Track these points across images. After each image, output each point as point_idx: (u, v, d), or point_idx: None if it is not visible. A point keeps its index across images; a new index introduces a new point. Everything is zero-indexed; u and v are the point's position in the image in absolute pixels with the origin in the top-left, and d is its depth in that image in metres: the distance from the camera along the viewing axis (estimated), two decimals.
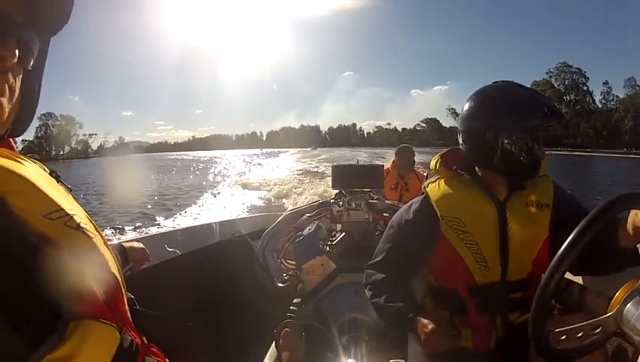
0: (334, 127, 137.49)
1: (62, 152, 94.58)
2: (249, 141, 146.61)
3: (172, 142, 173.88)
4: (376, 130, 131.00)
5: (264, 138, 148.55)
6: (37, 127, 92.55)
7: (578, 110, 71.30)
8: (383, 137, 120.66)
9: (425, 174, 3.23)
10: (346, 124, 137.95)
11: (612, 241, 0.84)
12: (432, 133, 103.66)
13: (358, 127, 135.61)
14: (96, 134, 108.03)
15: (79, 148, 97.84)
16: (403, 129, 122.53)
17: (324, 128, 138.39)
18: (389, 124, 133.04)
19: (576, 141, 66.97)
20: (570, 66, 75.44)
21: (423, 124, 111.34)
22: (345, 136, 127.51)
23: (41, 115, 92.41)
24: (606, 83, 74.58)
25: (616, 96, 72.48)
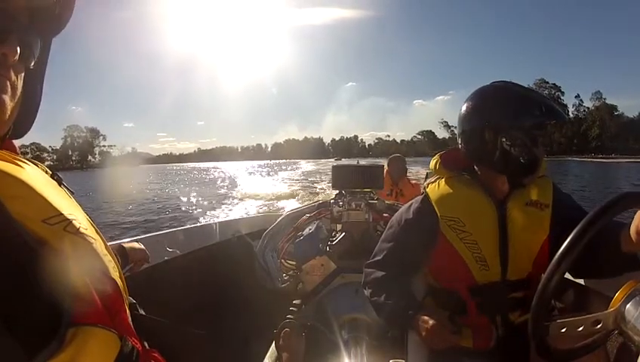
0: (337, 138, 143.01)
1: (85, 162, 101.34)
2: (254, 153, 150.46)
3: (177, 154, 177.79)
4: (376, 141, 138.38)
5: (269, 149, 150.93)
6: (63, 138, 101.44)
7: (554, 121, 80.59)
8: (383, 148, 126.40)
9: (414, 181, 3.36)
10: (348, 136, 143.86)
11: (613, 246, 0.83)
12: (427, 144, 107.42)
13: (359, 139, 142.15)
14: (115, 145, 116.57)
15: (100, 158, 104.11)
16: (402, 141, 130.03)
17: (326, 140, 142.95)
18: (389, 135, 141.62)
19: (552, 149, 75.85)
20: (547, 82, 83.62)
21: (420, 136, 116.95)
22: (347, 147, 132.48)
23: (67, 126, 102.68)
24: (577, 96, 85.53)
25: (587, 108, 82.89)
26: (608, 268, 0.90)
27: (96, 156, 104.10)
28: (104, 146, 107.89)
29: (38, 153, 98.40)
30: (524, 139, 0.95)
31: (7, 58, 0.38)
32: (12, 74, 0.40)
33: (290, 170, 43.50)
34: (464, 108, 1.05)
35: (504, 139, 0.96)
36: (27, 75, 0.43)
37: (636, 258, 0.85)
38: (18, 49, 0.39)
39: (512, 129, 0.96)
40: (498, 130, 0.97)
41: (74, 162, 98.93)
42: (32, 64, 0.43)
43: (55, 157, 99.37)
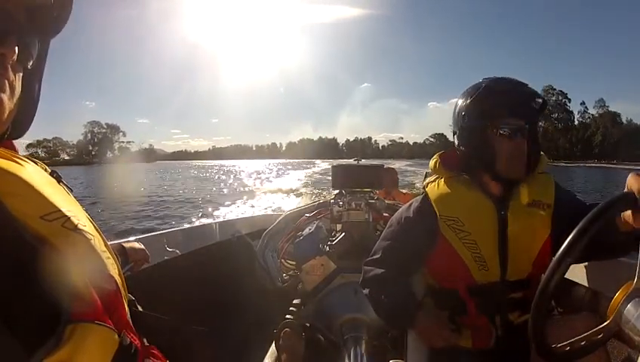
0: (350, 139, 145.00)
1: (104, 157, 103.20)
2: (269, 151, 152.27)
3: (192, 151, 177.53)
4: (390, 143, 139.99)
5: (283, 148, 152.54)
6: (83, 133, 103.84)
7: (560, 127, 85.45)
8: (396, 150, 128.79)
9: (404, 191, 3.63)
10: (362, 137, 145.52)
11: (612, 229, 0.81)
12: (439, 147, 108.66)
13: (373, 140, 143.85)
14: (133, 142, 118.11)
15: (120, 154, 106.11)
16: (414, 143, 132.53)
17: (340, 140, 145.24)
18: (402, 138, 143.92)
19: (558, 154, 79.47)
20: (554, 89, 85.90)
21: (432, 139, 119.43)
22: (360, 148, 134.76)
23: (87, 122, 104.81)
24: (583, 103, 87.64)
25: (592, 115, 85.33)
26: (609, 250, 0.87)
27: (115, 151, 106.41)
28: (123, 142, 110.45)
29: (59, 147, 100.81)
30: (515, 136, 0.95)
31: (6, 58, 0.39)
32: (11, 74, 0.40)
33: (317, 167, 46.23)
34: (456, 108, 1.05)
35: (496, 136, 0.96)
36: (25, 76, 0.43)
37: (636, 235, 0.84)
38: (17, 49, 0.39)
39: (503, 126, 0.96)
40: (490, 128, 0.97)
41: (91, 157, 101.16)
42: (31, 64, 0.43)
43: (75, 152, 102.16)
